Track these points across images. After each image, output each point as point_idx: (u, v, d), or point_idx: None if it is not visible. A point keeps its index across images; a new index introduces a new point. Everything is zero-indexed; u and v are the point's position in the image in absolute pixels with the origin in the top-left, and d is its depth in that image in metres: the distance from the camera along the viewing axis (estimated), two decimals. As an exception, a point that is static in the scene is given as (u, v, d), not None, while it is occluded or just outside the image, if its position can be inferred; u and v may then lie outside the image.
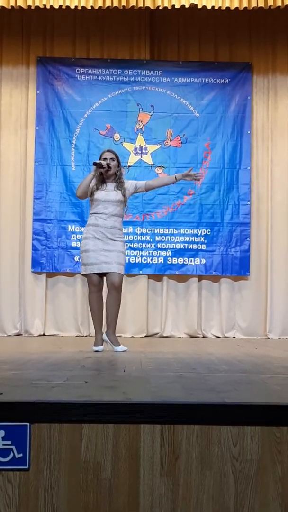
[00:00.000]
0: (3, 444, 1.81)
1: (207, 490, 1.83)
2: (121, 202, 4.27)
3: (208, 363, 3.43)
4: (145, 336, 6.20)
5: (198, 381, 2.55)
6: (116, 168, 4.31)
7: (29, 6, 5.55)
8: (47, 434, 1.83)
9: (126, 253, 6.18)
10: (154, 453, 1.84)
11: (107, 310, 4.23)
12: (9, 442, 1.81)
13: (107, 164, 4.25)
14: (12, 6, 5.58)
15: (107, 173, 4.28)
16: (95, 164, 4.30)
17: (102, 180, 4.31)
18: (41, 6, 5.58)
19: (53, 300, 6.31)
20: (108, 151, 4.40)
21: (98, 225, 4.23)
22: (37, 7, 5.59)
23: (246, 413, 1.87)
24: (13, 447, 1.81)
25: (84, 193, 4.32)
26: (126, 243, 6.20)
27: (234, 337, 6.26)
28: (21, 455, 1.82)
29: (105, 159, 4.29)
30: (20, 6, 5.59)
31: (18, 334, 6.21)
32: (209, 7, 5.58)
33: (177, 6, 5.56)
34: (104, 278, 4.25)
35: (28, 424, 1.82)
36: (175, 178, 4.43)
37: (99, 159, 4.33)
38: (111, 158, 4.30)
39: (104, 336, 4.23)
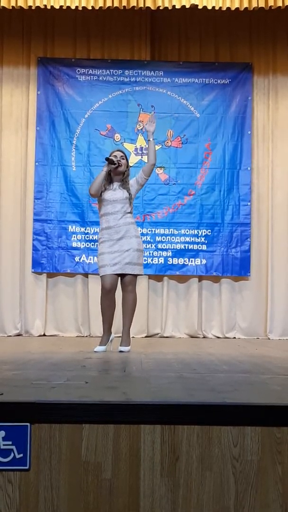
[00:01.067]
0: (4, 445, 1.81)
1: (207, 491, 1.83)
2: (127, 199, 4.27)
3: (208, 364, 3.43)
4: (146, 337, 6.20)
5: (199, 381, 2.55)
6: (125, 168, 4.32)
7: (30, 6, 5.55)
8: (48, 435, 1.83)
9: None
10: (154, 453, 1.84)
11: (122, 309, 4.28)
12: (10, 442, 1.81)
13: (118, 161, 4.27)
14: (12, 7, 5.58)
15: (117, 170, 4.28)
16: (107, 159, 4.30)
17: (110, 180, 4.31)
18: (42, 7, 5.57)
19: (53, 300, 6.30)
20: (118, 150, 4.44)
21: (110, 227, 4.23)
22: (37, 7, 5.59)
23: (246, 413, 1.87)
24: (13, 447, 1.81)
25: (98, 190, 4.30)
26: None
27: (234, 338, 6.25)
28: (21, 455, 1.82)
29: (115, 156, 4.30)
30: (20, 7, 5.59)
31: (19, 335, 6.21)
32: (209, 7, 5.57)
33: (177, 6, 5.56)
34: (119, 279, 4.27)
35: (28, 424, 1.82)
36: (149, 139, 4.35)
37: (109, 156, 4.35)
38: (121, 157, 4.31)
39: (112, 336, 4.25)
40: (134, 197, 4.37)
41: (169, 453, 1.84)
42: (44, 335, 6.20)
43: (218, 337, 6.25)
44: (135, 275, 4.23)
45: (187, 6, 5.57)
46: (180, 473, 1.84)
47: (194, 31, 6.46)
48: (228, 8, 5.61)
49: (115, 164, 4.25)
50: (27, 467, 1.82)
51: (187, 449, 1.84)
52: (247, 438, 1.84)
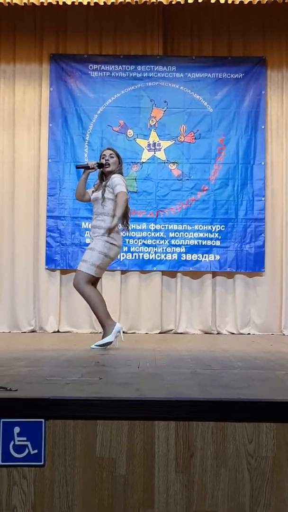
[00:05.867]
0: (19, 440, 1.81)
1: (222, 487, 1.83)
2: (98, 199, 4.17)
3: (222, 360, 3.42)
4: (159, 333, 6.19)
5: (213, 377, 2.54)
6: (116, 165, 4.27)
7: (42, 3, 5.56)
8: (62, 431, 1.84)
9: (140, 250, 6.25)
10: (169, 449, 1.83)
11: None
12: (24, 438, 1.82)
13: (98, 164, 4.23)
14: (25, 3, 5.59)
15: (105, 169, 4.25)
16: (78, 167, 4.35)
17: (102, 179, 4.28)
18: (54, 3, 5.58)
19: (67, 297, 6.32)
20: (107, 149, 4.40)
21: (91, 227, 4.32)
22: (49, 3, 5.59)
23: (261, 409, 1.85)
24: (28, 443, 1.82)
25: (80, 196, 4.38)
26: (139, 240, 6.26)
27: (249, 334, 6.23)
28: (36, 451, 1.82)
29: (103, 156, 4.28)
30: (33, 3, 5.60)
31: (33, 331, 6.24)
32: (222, 1, 5.54)
33: (190, 1, 5.53)
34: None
35: (43, 420, 1.82)
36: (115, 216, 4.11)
37: (100, 159, 4.33)
38: (110, 155, 4.27)
39: (118, 325, 4.13)
40: (111, 199, 4.14)
41: (184, 449, 1.83)
42: (58, 331, 6.22)
43: (232, 333, 6.22)
44: (79, 271, 4.13)
45: (200, 1, 5.54)
46: (195, 470, 1.83)
47: (206, 25, 6.42)
48: (241, 2, 5.57)
49: (92, 168, 4.23)
50: (42, 463, 1.82)
51: (201, 446, 1.83)
52: (262, 434, 1.83)
